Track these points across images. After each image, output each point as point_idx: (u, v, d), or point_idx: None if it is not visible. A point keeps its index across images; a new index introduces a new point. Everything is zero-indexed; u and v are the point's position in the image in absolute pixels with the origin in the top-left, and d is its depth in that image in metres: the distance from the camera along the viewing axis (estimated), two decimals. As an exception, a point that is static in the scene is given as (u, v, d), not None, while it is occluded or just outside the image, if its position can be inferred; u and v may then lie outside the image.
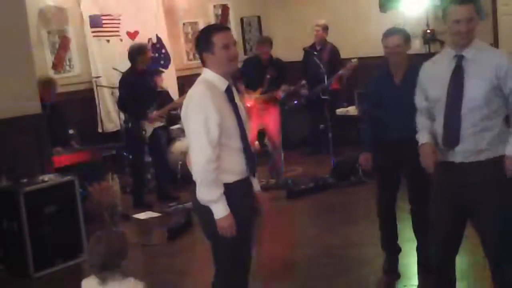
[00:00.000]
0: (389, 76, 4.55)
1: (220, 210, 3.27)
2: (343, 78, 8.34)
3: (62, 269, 5.46)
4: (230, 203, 3.29)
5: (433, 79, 3.57)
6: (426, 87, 3.61)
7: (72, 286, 5.32)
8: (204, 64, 3.43)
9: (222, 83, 3.38)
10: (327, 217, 6.27)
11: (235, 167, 3.37)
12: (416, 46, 8.52)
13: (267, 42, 7.49)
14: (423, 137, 3.62)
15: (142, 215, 6.80)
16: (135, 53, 7.14)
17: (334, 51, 8.67)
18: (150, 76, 7.42)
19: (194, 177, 3.32)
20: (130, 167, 7.64)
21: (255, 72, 7.39)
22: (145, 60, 7.16)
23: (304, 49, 8.35)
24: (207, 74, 3.40)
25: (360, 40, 8.86)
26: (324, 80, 7.85)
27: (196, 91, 3.34)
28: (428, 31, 8.30)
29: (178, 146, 7.85)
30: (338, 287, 4.70)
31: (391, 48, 4.42)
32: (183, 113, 3.38)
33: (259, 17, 10.44)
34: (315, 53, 8.29)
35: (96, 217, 5.90)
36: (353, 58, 8.03)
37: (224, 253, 3.43)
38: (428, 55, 8.19)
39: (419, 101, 3.72)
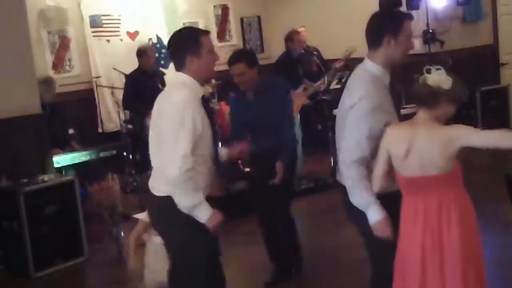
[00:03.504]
0: (242, 95, 4.59)
1: (205, 211, 3.18)
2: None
3: (62, 269, 5.46)
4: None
5: (384, 105, 3.18)
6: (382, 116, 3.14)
7: (72, 286, 5.35)
8: (180, 67, 3.26)
9: (199, 90, 3.27)
10: (327, 217, 6.27)
11: (207, 181, 3.29)
12: (416, 46, 8.53)
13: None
14: (377, 210, 3.11)
15: (142, 215, 6.79)
16: (137, 54, 7.40)
17: (319, 51, 8.67)
18: (158, 77, 7.46)
19: (171, 183, 3.14)
20: (136, 166, 7.65)
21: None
22: (146, 62, 7.31)
23: (281, 58, 8.15)
24: (185, 78, 3.24)
25: (360, 40, 8.83)
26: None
27: (181, 98, 3.15)
28: (430, 31, 8.31)
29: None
30: (337, 287, 4.70)
31: (236, 76, 4.42)
32: (157, 116, 3.25)
33: (259, 17, 10.44)
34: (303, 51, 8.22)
35: (96, 217, 5.92)
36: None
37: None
38: (428, 55, 8.21)
39: (365, 148, 3.09)
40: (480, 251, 3.07)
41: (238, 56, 4.45)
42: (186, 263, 3.32)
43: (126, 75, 7.68)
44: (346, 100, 3.19)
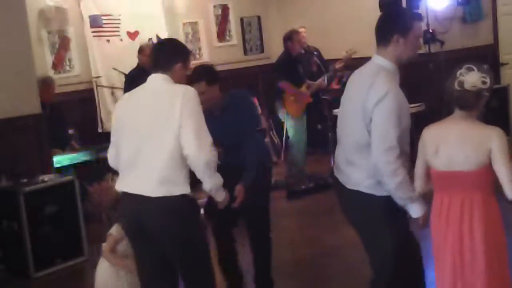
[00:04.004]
0: (208, 110, 4.25)
1: (223, 189, 3.46)
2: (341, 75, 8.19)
3: (62, 269, 5.47)
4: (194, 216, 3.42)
5: (403, 98, 3.20)
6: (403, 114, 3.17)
7: (72, 286, 5.35)
8: (166, 70, 3.44)
9: None
10: (327, 217, 6.27)
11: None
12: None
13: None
14: (422, 205, 3.19)
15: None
16: (138, 52, 7.48)
17: (319, 51, 8.64)
18: None
19: (202, 168, 3.28)
20: None
21: None
22: (145, 60, 7.36)
23: (280, 58, 7.91)
24: (169, 79, 3.45)
25: (360, 40, 8.85)
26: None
27: (192, 89, 3.39)
28: (430, 31, 8.30)
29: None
30: (338, 287, 4.70)
31: (200, 95, 4.17)
32: (155, 114, 3.32)
33: (259, 17, 10.43)
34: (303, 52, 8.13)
35: (96, 217, 5.91)
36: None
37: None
38: (428, 55, 8.21)
39: (395, 135, 3.10)
40: (506, 256, 3.12)
41: (197, 75, 4.26)
42: (196, 260, 3.41)
43: (125, 74, 7.70)
44: (369, 97, 3.12)
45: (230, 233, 4.49)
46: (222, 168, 3.88)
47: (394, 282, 3.32)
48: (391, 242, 3.23)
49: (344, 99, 3.40)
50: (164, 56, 3.50)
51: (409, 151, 3.23)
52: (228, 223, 4.43)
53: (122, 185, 3.46)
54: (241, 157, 4.21)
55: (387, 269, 3.30)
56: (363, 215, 3.28)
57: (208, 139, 3.30)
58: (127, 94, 3.64)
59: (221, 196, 3.47)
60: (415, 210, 3.16)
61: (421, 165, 3.21)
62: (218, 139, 4.23)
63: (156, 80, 3.45)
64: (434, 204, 3.18)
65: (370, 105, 3.10)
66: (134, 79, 7.26)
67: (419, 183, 3.22)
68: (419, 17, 3.33)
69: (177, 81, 3.46)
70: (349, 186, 3.29)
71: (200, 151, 3.24)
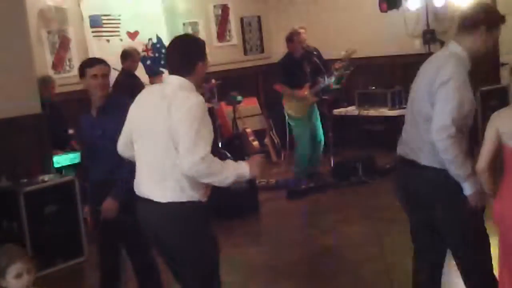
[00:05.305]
0: (88, 112, 4.10)
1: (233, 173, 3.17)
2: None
3: (62, 269, 5.47)
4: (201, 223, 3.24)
5: (468, 84, 3.43)
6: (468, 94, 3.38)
7: (72, 286, 5.35)
8: (187, 73, 3.24)
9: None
10: (327, 217, 6.27)
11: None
12: (416, 46, 8.53)
13: None
14: (475, 181, 3.28)
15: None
16: (121, 57, 7.64)
17: (319, 51, 8.62)
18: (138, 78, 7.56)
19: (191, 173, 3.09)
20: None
21: None
22: (130, 66, 7.57)
23: (283, 60, 7.89)
24: (188, 83, 3.25)
25: (360, 40, 8.86)
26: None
27: (198, 101, 3.17)
28: (430, 31, 8.30)
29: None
30: (338, 287, 4.70)
31: (100, 77, 4.02)
32: (161, 120, 3.15)
33: (259, 17, 10.44)
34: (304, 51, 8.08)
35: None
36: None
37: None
38: (428, 55, 8.19)
39: (450, 117, 3.28)
40: None
41: (99, 58, 4.21)
42: (202, 271, 3.28)
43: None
44: (436, 79, 3.33)
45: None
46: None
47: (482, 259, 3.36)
48: (468, 218, 3.31)
49: (415, 79, 3.57)
50: (184, 59, 3.29)
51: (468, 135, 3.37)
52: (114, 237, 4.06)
53: (135, 187, 3.36)
54: (109, 169, 3.92)
55: (470, 247, 3.37)
56: (438, 191, 3.36)
57: (200, 147, 3.05)
58: (143, 91, 3.51)
59: (239, 176, 3.16)
60: (467, 187, 3.25)
61: (489, 144, 3.26)
62: (92, 145, 4.06)
63: (172, 84, 3.27)
64: (507, 183, 3.23)
65: (435, 86, 3.31)
66: (121, 86, 7.23)
67: (484, 159, 3.26)
68: (503, 19, 3.54)
69: (199, 80, 3.31)
70: (423, 163, 3.38)
71: (193, 152, 3.03)
